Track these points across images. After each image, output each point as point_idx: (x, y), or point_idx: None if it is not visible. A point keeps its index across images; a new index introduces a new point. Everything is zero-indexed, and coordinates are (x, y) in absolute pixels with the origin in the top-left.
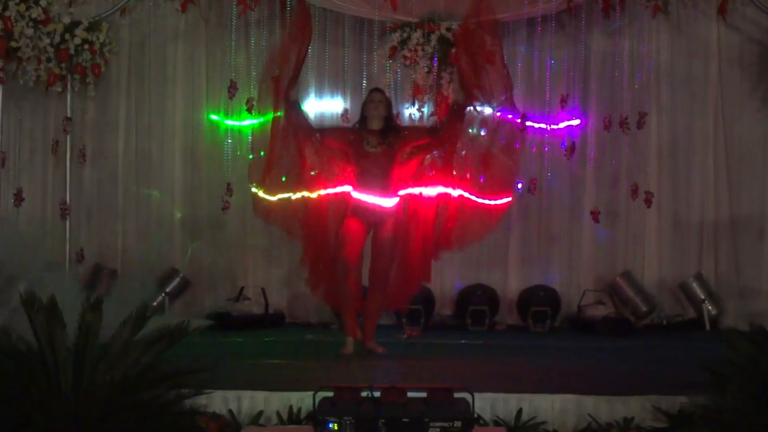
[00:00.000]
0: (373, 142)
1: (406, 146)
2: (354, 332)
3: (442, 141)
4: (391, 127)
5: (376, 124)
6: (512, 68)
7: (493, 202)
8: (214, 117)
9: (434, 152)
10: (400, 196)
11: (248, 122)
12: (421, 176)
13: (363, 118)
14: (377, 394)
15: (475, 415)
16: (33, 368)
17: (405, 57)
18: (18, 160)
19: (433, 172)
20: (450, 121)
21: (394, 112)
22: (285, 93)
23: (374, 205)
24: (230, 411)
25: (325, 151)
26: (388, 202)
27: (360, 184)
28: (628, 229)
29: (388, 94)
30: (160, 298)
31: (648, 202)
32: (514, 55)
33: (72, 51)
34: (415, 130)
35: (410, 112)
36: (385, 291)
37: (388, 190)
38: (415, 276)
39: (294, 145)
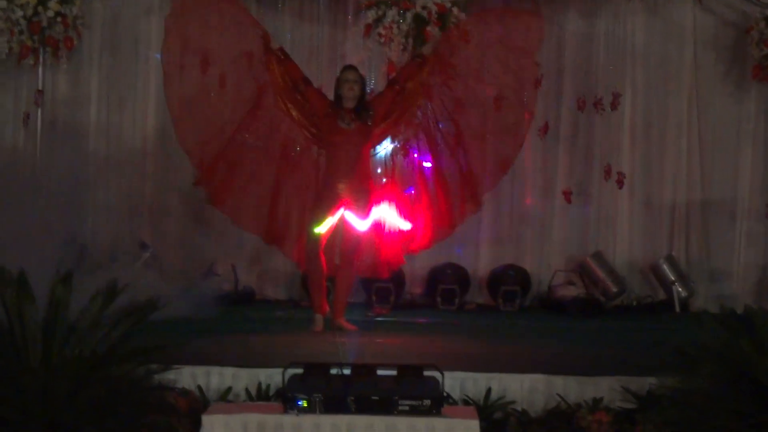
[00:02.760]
0: (347, 119)
1: (378, 120)
2: (322, 309)
3: (402, 88)
4: (365, 105)
5: (350, 104)
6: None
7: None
8: None
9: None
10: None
11: None
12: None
13: (338, 97)
14: (347, 371)
15: (445, 394)
16: (2, 343)
17: (380, 35)
18: None
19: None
20: (406, 66)
21: (369, 89)
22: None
23: (346, 189)
24: (199, 387)
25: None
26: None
27: (332, 161)
28: (600, 209)
29: (361, 72)
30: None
31: (620, 183)
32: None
33: (45, 24)
34: (379, 95)
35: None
36: (354, 269)
37: (359, 170)
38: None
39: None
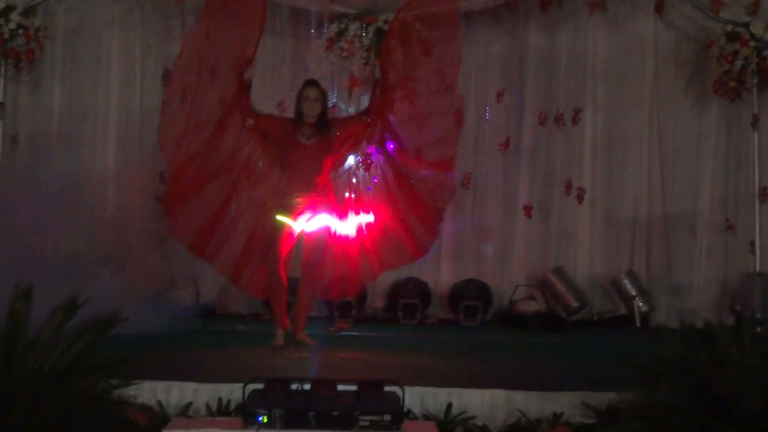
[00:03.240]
0: (307, 133)
1: (339, 138)
2: (284, 323)
3: (373, 123)
4: (326, 121)
5: (311, 119)
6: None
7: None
8: None
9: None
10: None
11: None
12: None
13: (298, 112)
14: (307, 386)
15: (405, 409)
16: None
17: (342, 48)
18: None
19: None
20: (375, 100)
21: (330, 103)
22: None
23: (306, 202)
24: (159, 402)
25: (256, 133)
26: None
27: (292, 175)
28: (561, 224)
29: (323, 86)
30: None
31: (580, 198)
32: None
33: (6, 36)
34: (346, 120)
35: (346, 107)
36: (315, 284)
37: (319, 183)
38: (355, 277)
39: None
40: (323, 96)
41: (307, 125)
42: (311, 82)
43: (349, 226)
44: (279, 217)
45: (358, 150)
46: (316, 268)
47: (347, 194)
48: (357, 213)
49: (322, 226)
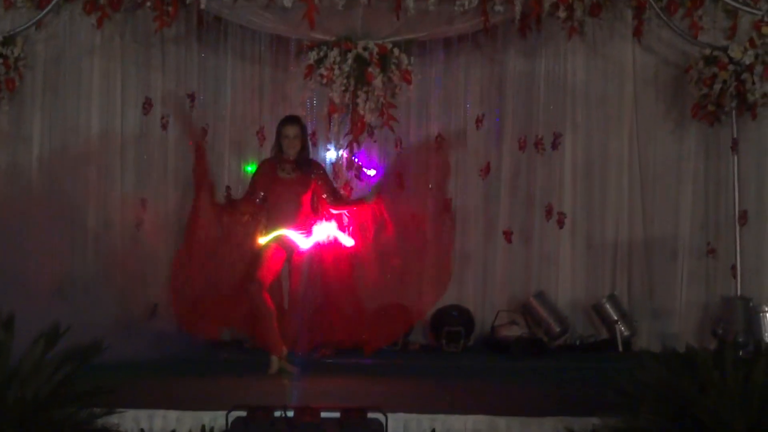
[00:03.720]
0: (287, 168)
1: (318, 179)
2: (278, 350)
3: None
4: (306, 157)
5: (291, 156)
6: (428, 88)
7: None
8: None
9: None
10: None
11: None
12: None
13: (278, 146)
14: (291, 414)
15: None
16: None
17: (321, 76)
18: None
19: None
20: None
21: (310, 131)
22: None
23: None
24: (142, 430)
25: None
26: (305, 243)
27: (273, 210)
28: (541, 249)
29: (303, 120)
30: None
31: (560, 223)
32: (431, 74)
33: None
34: (324, 178)
35: (325, 134)
36: (299, 310)
37: (300, 217)
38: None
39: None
40: (303, 133)
41: (287, 161)
42: (291, 119)
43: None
44: (263, 239)
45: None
46: (302, 296)
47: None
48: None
49: (307, 254)
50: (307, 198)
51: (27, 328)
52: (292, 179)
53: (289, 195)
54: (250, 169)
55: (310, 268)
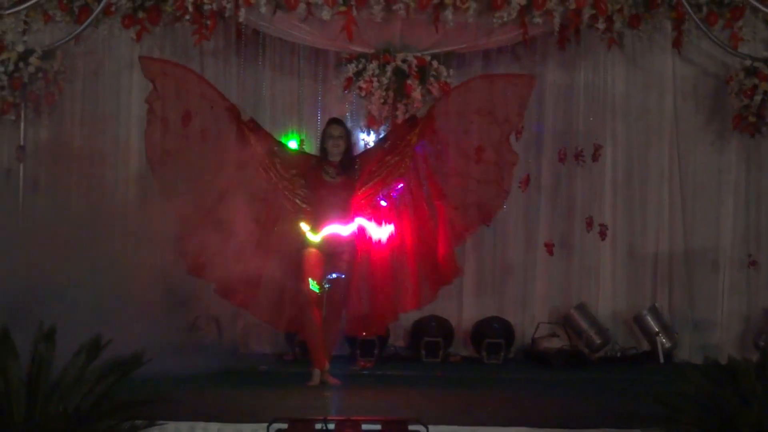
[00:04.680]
0: (332, 172)
1: (363, 173)
2: (321, 364)
3: (392, 147)
4: (351, 159)
5: (335, 157)
6: None
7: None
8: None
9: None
10: (357, 225)
11: None
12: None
13: (323, 150)
14: (331, 426)
15: None
16: None
17: (360, 88)
18: None
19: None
20: (397, 128)
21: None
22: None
23: (331, 236)
24: None
25: (287, 172)
26: (345, 230)
27: (317, 213)
28: (582, 261)
29: (347, 125)
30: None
31: (602, 235)
32: None
33: (26, 79)
34: (367, 152)
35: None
36: (340, 321)
37: (345, 221)
38: (384, 312)
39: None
40: (347, 134)
41: (331, 164)
42: (335, 120)
43: (375, 260)
44: (308, 250)
45: (387, 185)
46: (342, 304)
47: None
48: (383, 248)
49: (344, 262)
50: (351, 201)
51: (69, 341)
52: (337, 183)
53: (334, 199)
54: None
55: (349, 276)
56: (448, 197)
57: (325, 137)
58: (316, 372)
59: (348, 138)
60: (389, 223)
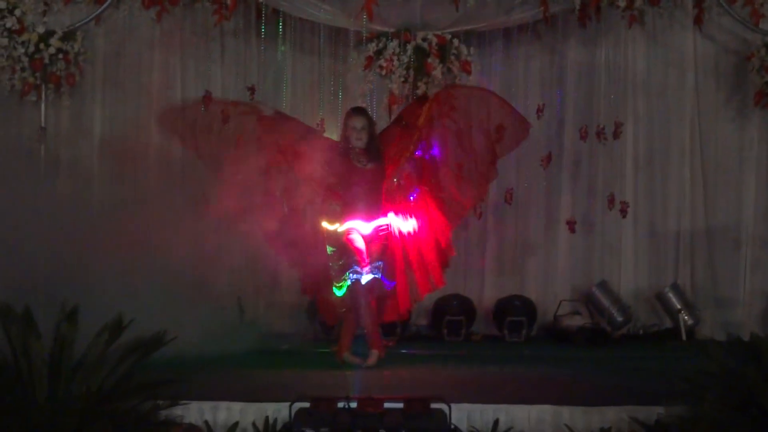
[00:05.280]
0: (362, 159)
1: (387, 157)
2: (380, 346)
3: (409, 127)
4: (377, 147)
5: (360, 146)
6: (488, 78)
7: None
8: None
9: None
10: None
11: None
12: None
13: (346, 139)
14: (354, 405)
15: (452, 426)
16: (8, 379)
17: (381, 67)
18: None
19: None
20: (410, 106)
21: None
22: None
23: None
24: (206, 422)
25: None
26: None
27: (351, 201)
28: (604, 238)
29: (363, 105)
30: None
31: (623, 212)
32: (490, 64)
33: (46, 60)
34: (385, 131)
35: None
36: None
37: (379, 206)
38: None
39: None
40: (370, 124)
41: (359, 151)
42: (357, 111)
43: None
44: (352, 237)
45: (408, 157)
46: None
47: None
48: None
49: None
50: (383, 188)
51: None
52: (368, 169)
53: (367, 185)
54: None
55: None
56: (452, 170)
57: (347, 127)
58: (374, 353)
59: (371, 127)
60: (404, 212)
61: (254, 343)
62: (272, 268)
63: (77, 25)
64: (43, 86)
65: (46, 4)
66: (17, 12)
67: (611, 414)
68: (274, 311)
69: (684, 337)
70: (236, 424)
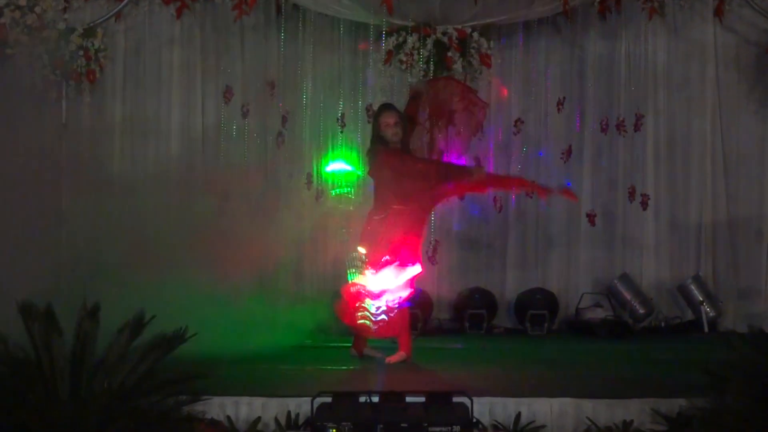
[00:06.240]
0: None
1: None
2: (408, 350)
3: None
4: (407, 139)
5: (396, 142)
6: (508, 71)
7: None
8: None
9: None
10: None
11: None
12: None
13: (380, 137)
14: (375, 399)
15: (474, 420)
16: (30, 376)
17: (401, 61)
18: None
19: None
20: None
21: None
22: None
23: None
24: (228, 417)
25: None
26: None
27: (411, 192)
28: (625, 231)
29: (385, 99)
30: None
31: (644, 205)
32: (511, 58)
33: (67, 57)
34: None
35: None
36: None
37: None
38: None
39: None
40: (403, 119)
41: (396, 146)
42: (388, 107)
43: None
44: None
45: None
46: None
47: None
48: None
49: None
50: None
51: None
52: None
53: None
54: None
55: None
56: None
57: (381, 125)
58: (401, 354)
59: (403, 122)
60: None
61: (276, 339)
62: (295, 264)
63: (97, 21)
64: (64, 83)
65: (66, 1)
66: (38, 9)
67: (633, 407)
68: (297, 306)
69: (706, 329)
70: (258, 419)
